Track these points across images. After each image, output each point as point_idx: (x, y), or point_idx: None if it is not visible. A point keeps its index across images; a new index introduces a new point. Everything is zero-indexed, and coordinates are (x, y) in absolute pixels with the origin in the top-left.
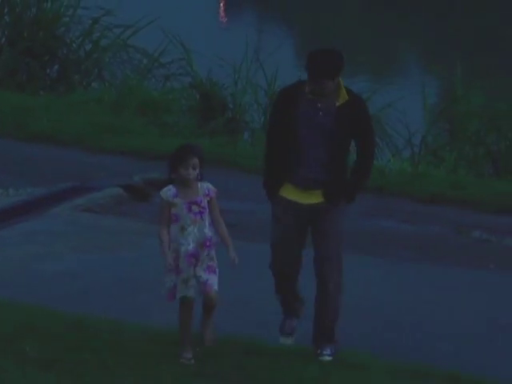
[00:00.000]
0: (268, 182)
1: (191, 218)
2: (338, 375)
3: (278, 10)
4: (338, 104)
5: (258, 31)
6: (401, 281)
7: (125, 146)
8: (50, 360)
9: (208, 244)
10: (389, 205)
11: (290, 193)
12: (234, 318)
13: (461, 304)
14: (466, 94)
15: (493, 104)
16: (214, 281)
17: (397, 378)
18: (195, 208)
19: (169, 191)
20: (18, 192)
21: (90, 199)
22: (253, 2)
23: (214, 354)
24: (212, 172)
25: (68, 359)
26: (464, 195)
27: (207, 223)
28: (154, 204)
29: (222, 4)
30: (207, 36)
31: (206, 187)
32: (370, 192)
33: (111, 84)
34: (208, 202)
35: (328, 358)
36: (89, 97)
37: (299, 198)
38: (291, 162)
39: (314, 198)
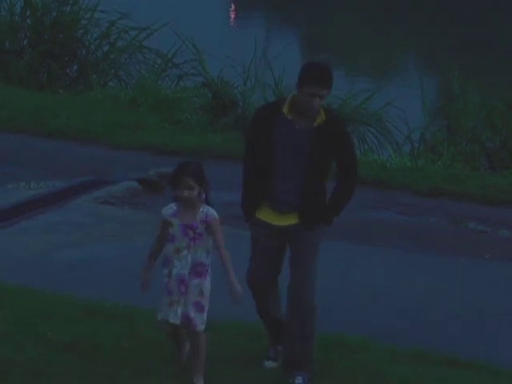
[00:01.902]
0: (245, 204)
1: (186, 242)
2: (339, 357)
3: (284, 13)
4: (315, 124)
5: (266, 33)
6: (399, 269)
7: (140, 141)
8: (68, 343)
9: (200, 270)
10: (389, 197)
11: (266, 215)
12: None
13: (456, 291)
14: (463, 92)
15: (488, 102)
16: (199, 320)
17: (396, 361)
18: (190, 233)
19: (169, 209)
20: (39, 185)
21: (107, 192)
22: (261, 6)
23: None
24: (222, 166)
25: (84, 343)
26: (460, 188)
27: (203, 249)
28: (167, 197)
29: (232, 7)
30: (218, 38)
31: (205, 212)
32: (372, 185)
33: (127, 83)
34: (206, 228)
35: None
36: (106, 95)
37: (275, 220)
38: (268, 184)
39: (290, 220)
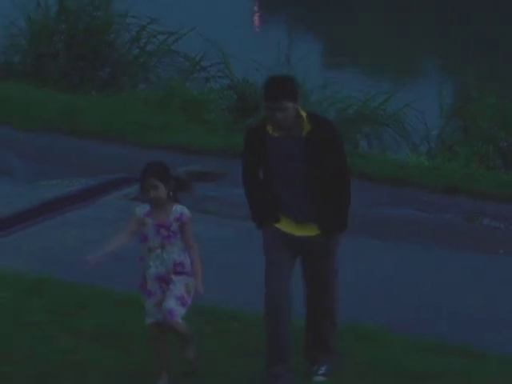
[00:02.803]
0: (255, 213)
1: (159, 241)
2: (359, 348)
3: (308, 17)
4: (303, 134)
5: (289, 36)
6: (415, 264)
7: (168, 141)
8: (100, 333)
9: (179, 270)
10: (406, 195)
11: (281, 223)
12: None
13: (471, 285)
14: (479, 94)
15: (503, 104)
16: (178, 312)
17: (415, 352)
18: (164, 231)
19: (143, 209)
20: (72, 182)
21: (138, 189)
22: (286, 10)
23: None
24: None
25: (116, 333)
26: (476, 187)
27: (179, 248)
28: (195, 194)
29: (256, 11)
30: (243, 41)
31: (179, 211)
32: (389, 183)
33: (156, 85)
34: (180, 226)
35: (322, 379)
36: (136, 97)
37: (293, 230)
38: (276, 197)
39: (309, 231)
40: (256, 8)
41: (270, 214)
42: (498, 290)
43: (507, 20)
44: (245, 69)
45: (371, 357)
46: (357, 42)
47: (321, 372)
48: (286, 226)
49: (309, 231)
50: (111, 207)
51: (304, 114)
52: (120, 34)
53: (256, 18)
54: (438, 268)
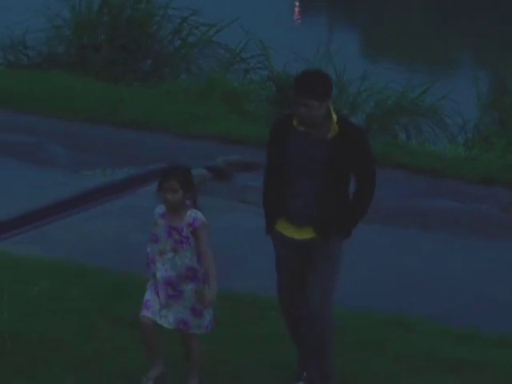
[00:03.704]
0: (265, 217)
1: (171, 244)
2: (393, 337)
3: (347, 9)
4: (329, 136)
5: (329, 28)
6: (451, 253)
7: (209, 131)
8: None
9: (191, 275)
10: (443, 186)
11: (284, 228)
12: None
13: (506, 275)
14: None
15: None
16: (195, 324)
17: (449, 341)
18: (176, 235)
19: (159, 209)
20: (114, 172)
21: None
22: (324, 2)
23: None
24: None
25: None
26: None
27: (192, 253)
28: (234, 183)
29: (297, 3)
30: (283, 33)
31: (193, 217)
32: (427, 174)
33: (197, 77)
34: (192, 231)
35: None
36: (177, 88)
37: (292, 234)
38: (285, 197)
39: (306, 234)
40: (296, 0)
41: (278, 217)
42: None
43: None
44: (284, 60)
45: (408, 346)
46: (395, 33)
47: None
48: (286, 230)
49: (308, 233)
50: (151, 197)
51: (335, 117)
52: (162, 25)
53: (296, 9)
54: (474, 258)
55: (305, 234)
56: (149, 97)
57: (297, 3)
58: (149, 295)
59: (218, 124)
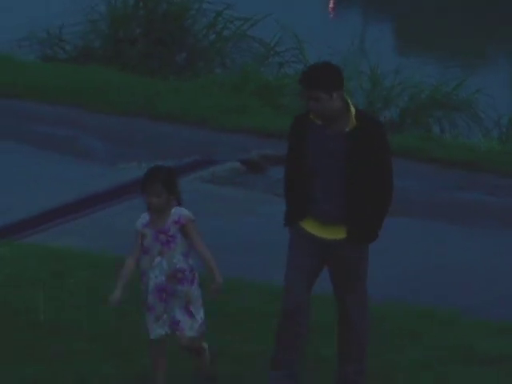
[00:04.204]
0: (286, 210)
1: (158, 247)
2: (428, 330)
3: (381, 3)
4: (347, 129)
5: (363, 22)
6: (486, 247)
7: (243, 125)
8: None
9: (180, 277)
10: (477, 179)
11: (309, 225)
12: None
13: None
14: None
15: None
16: (187, 325)
17: (485, 334)
18: (162, 237)
19: (142, 220)
20: (149, 165)
21: (212, 172)
22: None
23: None
24: None
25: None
26: None
27: (178, 253)
28: (268, 176)
29: None
30: (317, 27)
31: (177, 214)
32: (461, 167)
33: (232, 70)
34: (180, 228)
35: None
36: (212, 82)
37: (319, 232)
38: (309, 193)
39: (336, 234)
40: None
41: (300, 212)
42: None
43: None
44: (318, 54)
45: (445, 338)
46: (430, 27)
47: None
48: (312, 228)
49: (335, 234)
50: (186, 189)
51: (353, 110)
52: (197, 19)
53: (331, 3)
54: (509, 251)
55: (333, 234)
56: (184, 90)
57: None
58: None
59: (253, 118)
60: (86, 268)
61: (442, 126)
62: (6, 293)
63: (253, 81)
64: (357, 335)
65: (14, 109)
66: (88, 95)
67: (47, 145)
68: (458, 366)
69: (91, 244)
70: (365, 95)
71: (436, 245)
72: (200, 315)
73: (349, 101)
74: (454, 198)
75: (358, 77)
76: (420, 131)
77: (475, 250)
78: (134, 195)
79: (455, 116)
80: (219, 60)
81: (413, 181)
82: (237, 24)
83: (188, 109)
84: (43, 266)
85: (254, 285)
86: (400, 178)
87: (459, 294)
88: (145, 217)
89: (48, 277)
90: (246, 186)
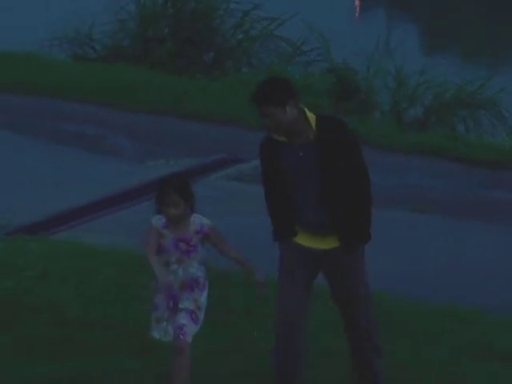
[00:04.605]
0: (273, 226)
1: (177, 256)
2: (450, 328)
3: (406, 3)
4: (311, 138)
5: (388, 22)
6: (510, 246)
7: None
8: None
9: (191, 284)
10: (501, 178)
11: (299, 237)
12: None
13: None
14: None
15: None
16: (189, 329)
17: (507, 332)
18: (182, 245)
19: (159, 220)
20: (177, 162)
21: (238, 169)
22: None
23: None
24: None
25: (220, 308)
26: None
27: (196, 262)
28: None
29: None
30: (343, 27)
31: (199, 223)
32: (485, 166)
33: (259, 69)
34: (203, 238)
35: None
36: (239, 81)
37: (311, 243)
38: (294, 208)
39: (328, 243)
40: None
41: (288, 227)
42: None
43: None
44: (344, 53)
45: (463, 338)
46: (455, 26)
47: None
48: (303, 239)
49: (327, 244)
50: (212, 187)
51: (313, 117)
52: (224, 19)
53: (357, 3)
54: None
55: (325, 244)
56: (211, 89)
57: None
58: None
59: None
60: (115, 265)
61: (466, 125)
62: (36, 289)
63: None
64: (367, 334)
65: (43, 107)
66: (117, 94)
67: (76, 143)
68: (479, 363)
69: (119, 241)
70: (390, 94)
71: (460, 243)
72: (201, 321)
73: (305, 109)
74: (479, 197)
75: (384, 76)
76: (444, 130)
77: (499, 248)
78: None
79: (480, 115)
80: (246, 59)
81: (437, 179)
82: (264, 24)
83: (215, 107)
84: (72, 263)
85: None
86: (425, 177)
87: (481, 293)
88: (161, 218)
89: (77, 273)
90: None
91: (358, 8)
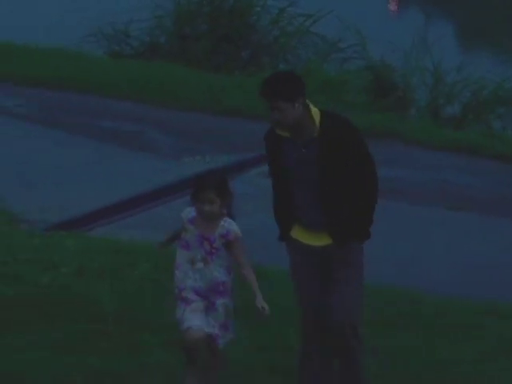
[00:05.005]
0: (278, 225)
1: (202, 254)
2: (490, 323)
3: (444, 0)
4: (315, 135)
5: (425, 19)
6: None
7: None
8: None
9: (221, 289)
10: None
11: (299, 234)
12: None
13: None
14: None
15: None
16: (223, 339)
17: None
18: (207, 245)
19: (188, 213)
20: (213, 159)
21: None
22: None
23: None
24: (383, 145)
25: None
26: None
27: (221, 266)
28: None
29: None
30: (380, 23)
31: (226, 228)
32: None
33: (295, 66)
34: (225, 243)
35: None
36: None
37: (310, 240)
38: (293, 205)
39: (323, 240)
40: None
41: (289, 223)
42: None
43: None
44: (381, 50)
45: (505, 333)
46: (493, 23)
47: None
48: (302, 236)
49: (323, 240)
50: (249, 183)
51: (317, 114)
52: (261, 16)
53: (392, 0)
54: None
55: (322, 241)
56: (248, 85)
57: None
58: (179, 310)
59: None
60: (150, 261)
61: (503, 123)
62: (73, 284)
63: (315, 77)
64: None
65: (80, 104)
66: (153, 91)
67: (113, 140)
68: None
69: (155, 237)
70: (428, 91)
71: (497, 241)
72: (232, 325)
73: (310, 105)
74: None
75: (421, 73)
76: (482, 127)
77: None
78: None
79: None
80: (282, 56)
81: (474, 177)
82: (300, 20)
83: (252, 104)
84: (108, 258)
85: None
86: (461, 175)
87: None
88: (191, 211)
89: (112, 269)
90: None
91: (394, 4)
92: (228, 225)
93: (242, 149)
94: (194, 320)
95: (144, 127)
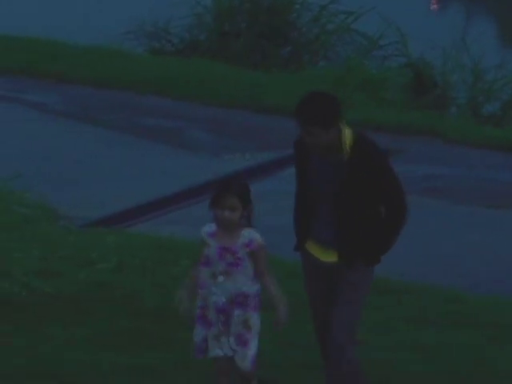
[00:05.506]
0: (295, 235)
1: (223, 266)
2: (498, 318)
3: None
4: (345, 158)
5: (465, 16)
6: None
7: (347, 118)
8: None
9: (240, 301)
10: None
11: (311, 247)
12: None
13: None
14: None
15: None
16: (239, 355)
17: None
18: (229, 257)
19: (208, 228)
20: (252, 156)
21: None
22: None
23: None
24: (422, 142)
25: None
26: None
27: (245, 277)
28: None
29: None
30: (420, 20)
31: (248, 237)
32: None
33: (335, 63)
34: (249, 253)
35: None
36: (315, 74)
37: (320, 255)
38: (310, 218)
39: (331, 257)
40: None
41: (304, 233)
42: None
43: None
44: (421, 48)
45: None
46: None
47: None
48: (314, 250)
49: (332, 257)
50: (285, 181)
51: (349, 137)
52: (301, 13)
53: None
54: None
55: (330, 257)
56: (287, 83)
57: None
58: (199, 333)
59: (356, 111)
60: (191, 257)
61: None
62: (114, 280)
63: (356, 74)
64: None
65: (120, 101)
66: (193, 88)
67: (153, 137)
68: None
69: (195, 234)
70: (467, 89)
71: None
72: (254, 343)
73: (342, 128)
74: None
75: (461, 71)
76: None
77: None
78: None
79: None
80: (323, 53)
81: None
82: (340, 18)
83: (292, 101)
84: (149, 255)
85: None
86: (501, 172)
87: None
88: (211, 226)
89: (154, 265)
90: None
91: (434, 1)
92: (249, 234)
93: (281, 146)
94: (217, 350)
95: (184, 124)
